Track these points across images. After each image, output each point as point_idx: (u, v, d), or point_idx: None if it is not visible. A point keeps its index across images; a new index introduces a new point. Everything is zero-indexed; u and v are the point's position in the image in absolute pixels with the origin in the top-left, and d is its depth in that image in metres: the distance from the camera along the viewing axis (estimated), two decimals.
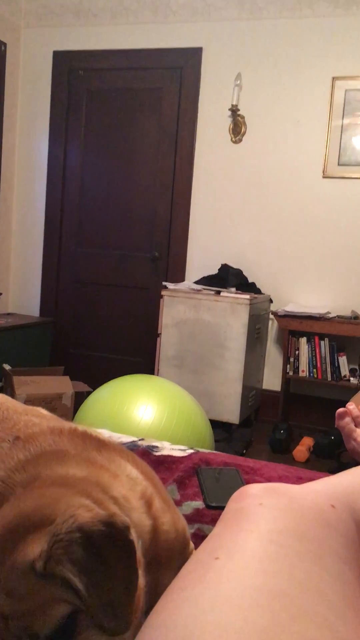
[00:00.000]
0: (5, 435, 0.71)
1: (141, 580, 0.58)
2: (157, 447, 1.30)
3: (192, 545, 0.80)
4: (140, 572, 0.58)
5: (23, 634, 0.48)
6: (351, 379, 3.20)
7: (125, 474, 0.67)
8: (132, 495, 0.65)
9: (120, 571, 0.51)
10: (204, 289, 3.23)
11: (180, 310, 3.15)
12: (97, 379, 3.10)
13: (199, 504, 1.05)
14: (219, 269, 3.51)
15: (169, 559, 0.66)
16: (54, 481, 0.59)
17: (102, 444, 0.71)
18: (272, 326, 3.55)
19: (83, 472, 0.62)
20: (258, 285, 3.49)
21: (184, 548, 0.73)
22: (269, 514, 0.58)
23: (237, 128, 3.51)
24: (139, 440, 1.34)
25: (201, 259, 3.65)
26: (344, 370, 3.21)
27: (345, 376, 3.21)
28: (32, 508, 0.54)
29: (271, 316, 3.47)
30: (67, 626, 0.49)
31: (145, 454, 1.23)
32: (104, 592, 0.49)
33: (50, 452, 0.66)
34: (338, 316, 3.21)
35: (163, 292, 3.20)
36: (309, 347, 3.25)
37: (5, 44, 3.79)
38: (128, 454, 0.73)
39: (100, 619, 0.49)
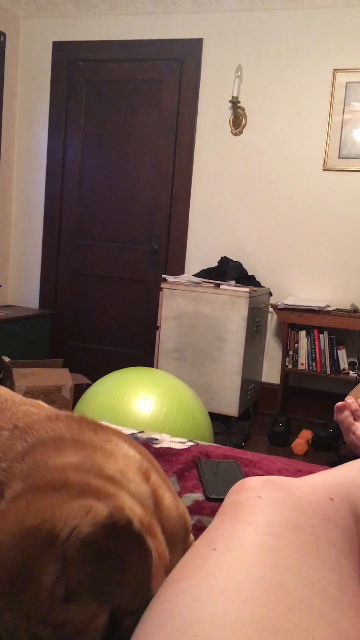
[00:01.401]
0: (5, 424, 0.72)
1: (162, 549, 0.62)
2: (156, 439, 1.30)
3: (192, 537, 0.81)
4: (160, 539, 0.62)
5: None
6: (350, 372, 3.20)
7: (121, 453, 0.68)
8: (128, 469, 0.66)
9: (134, 559, 0.53)
10: (204, 281, 3.23)
11: (180, 303, 3.15)
12: (96, 372, 3.11)
13: (198, 496, 1.05)
14: (218, 262, 3.51)
15: (173, 540, 0.67)
16: (49, 481, 0.60)
17: (98, 426, 0.72)
18: (272, 319, 3.55)
19: (77, 457, 0.63)
20: (257, 278, 3.49)
21: (186, 534, 0.74)
22: (267, 506, 0.59)
23: (238, 120, 3.50)
24: (139, 432, 1.35)
25: (201, 251, 3.65)
26: (343, 363, 3.21)
27: (344, 369, 3.21)
28: (36, 523, 0.54)
29: (270, 309, 3.47)
30: (111, 621, 0.52)
31: (144, 447, 1.23)
32: (125, 582, 0.52)
33: (48, 440, 0.67)
34: (337, 309, 3.21)
35: (162, 285, 3.20)
36: (308, 340, 3.26)
37: (4, 35, 3.76)
38: (125, 436, 0.74)
39: (131, 607, 0.52)
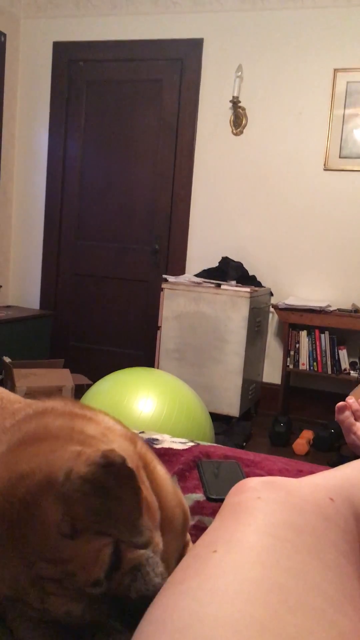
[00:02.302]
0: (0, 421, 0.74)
1: (151, 500, 0.65)
2: (157, 439, 1.30)
3: (189, 536, 0.81)
4: (149, 490, 0.65)
5: (86, 584, 0.53)
6: (351, 372, 3.20)
7: (103, 421, 0.71)
8: (111, 432, 0.69)
9: (129, 495, 0.56)
10: (204, 282, 3.23)
11: (181, 303, 3.14)
12: (97, 372, 3.11)
13: (199, 496, 1.05)
14: (219, 262, 3.51)
15: (170, 521, 0.68)
16: (33, 435, 0.62)
17: (85, 405, 0.75)
18: (273, 319, 3.54)
19: (59, 421, 0.66)
20: (258, 279, 3.49)
21: (184, 524, 0.74)
22: (267, 507, 0.58)
23: (238, 120, 3.49)
24: (139, 433, 1.34)
25: (201, 251, 3.65)
26: (344, 363, 3.21)
27: (345, 369, 3.21)
28: (29, 469, 0.56)
29: (271, 309, 3.47)
30: (115, 559, 0.55)
31: None
32: (123, 519, 0.55)
33: (32, 413, 0.70)
34: (338, 309, 3.21)
35: (163, 285, 3.20)
36: (309, 340, 3.25)
37: (4, 35, 3.76)
38: (115, 418, 0.75)
39: (130, 540, 0.55)
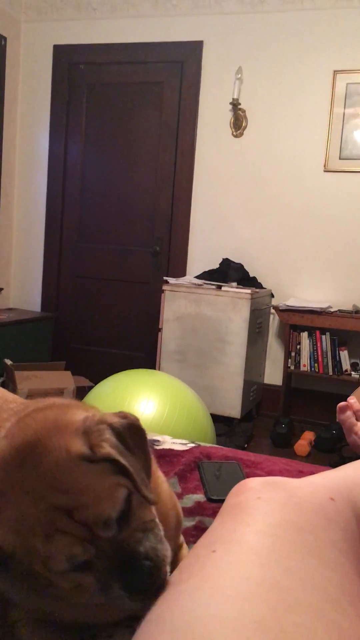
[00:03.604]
0: None
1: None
2: (158, 441, 1.30)
3: (182, 538, 0.81)
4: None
5: (95, 522, 0.53)
6: (352, 373, 3.20)
7: (94, 408, 0.73)
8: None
9: (141, 453, 0.60)
10: (205, 283, 3.23)
11: (182, 305, 3.15)
12: (98, 374, 3.11)
13: (200, 497, 1.05)
14: (220, 264, 3.51)
15: (163, 521, 0.68)
16: (48, 404, 0.64)
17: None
18: (274, 320, 3.54)
19: (69, 400, 0.69)
20: (259, 280, 3.49)
21: (177, 527, 0.75)
22: (267, 507, 0.59)
23: (238, 122, 3.50)
24: None
25: (202, 253, 3.65)
26: (345, 364, 3.21)
27: (346, 370, 3.21)
28: (45, 417, 0.59)
29: (272, 310, 3.47)
30: (126, 510, 0.56)
31: None
32: (138, 470, 0.58)
33: (35, 400, 0.71)
34: (339, 310, 3.21)
35: (164, 287, 3.20)
36: (310, 341, 3.25)
37: (5, 38, 3.77)
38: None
39: (143, 492, 0.57)
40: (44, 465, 0.54)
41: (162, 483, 0.72)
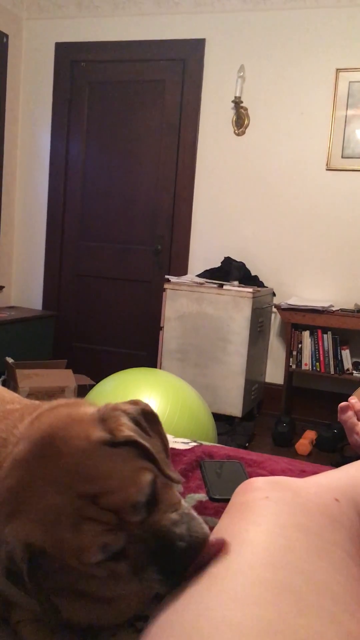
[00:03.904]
0: None
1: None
2: None
3: None
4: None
5: (123, 507, 0.52)
6: (354, 372, 3.19)
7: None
8: None
9: (158, 438, 0.60)
10: (207, 282, 3.22)
11: (183, 304, 3.14)
12: (99, 372, 3.11)
13: (202, 496, 1.05)
14: (221, 262, 3.50)
15: None
16: (57, 404, 0.64)
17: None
18: (275, 319, 3.54)
19: (76, 399, 0.69)
20: (261, 279, 3.48)
21: None
22: (276, 507, 0.58)
23: (240, 120, 3.49)
24: None
25: (204, 252, 3.65)
26: (347, 363, 3.20)
27: (348, 370, 3.20)
28: (61, 415, 0.59)
29: (274, 309, 3.46)
30: (153, 493, 0.55)
31: None
32: (158, 452, 0.58)
33: (38, 404, 0.71)
34: (341, 309, 3.21)
35: (166, 286, 3.20)
36: (311, 340, 3.25)
37: (7, 36, 3.77)
38: None
39: (166, 471, 0.57)
40: (65, 454, 0.53)
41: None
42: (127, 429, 0.56)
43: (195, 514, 0.58)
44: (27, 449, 0.56)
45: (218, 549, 0.53)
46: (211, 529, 0.60)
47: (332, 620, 0.46)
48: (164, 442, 0.62)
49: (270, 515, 0.57)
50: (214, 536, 0.57)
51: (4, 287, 4.03)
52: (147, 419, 0.60)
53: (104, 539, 0.51)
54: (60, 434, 0.55)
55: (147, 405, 0.62)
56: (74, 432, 0.55)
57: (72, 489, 0.52)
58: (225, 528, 0.59)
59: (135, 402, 0.62)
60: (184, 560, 0.52)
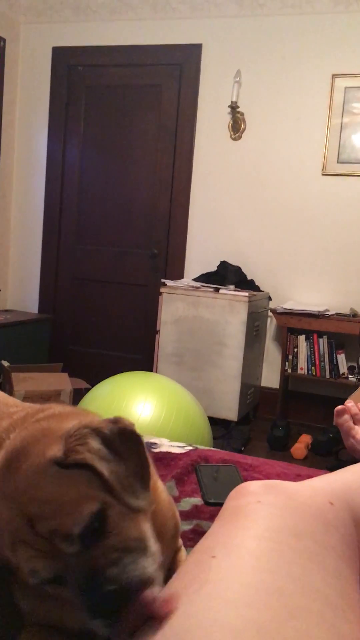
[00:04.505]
0: None
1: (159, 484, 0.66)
2: (155, 444, 1.30)
3: (181, 541, 0.81)
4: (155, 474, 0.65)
5: (54, 536, 0.49)
6: (349, 376, 3.20)
7: (96, 417, 0.70)
8: None
9: (133, 459, 0.55)
10: (203, 286, 3.23)
11: (179, 308, 3.15)
12: (95, 376, 3.11)
13: (197, 500, 1.05)
14: (217, 266, 3.51)
15: (161, 531, 0.67)
16: (49, 415, 0.63)
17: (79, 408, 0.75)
18: (271, 323, 3.55)
19: (71, 409, 0.67)
20: (257, 283, 3.49)
21: (175, 533, 0.74)
22: (267, 511, 0.58)
23: (237, 125, 3.50)
24: None
25: (200, 256, 3.65)
26: (343, 367, 3.21)
27: (343, 374, 3.21)
28: (40, 428, 0.57)
29: (270, 313, 3.47)
30: (99, 526, 0.51)
31: None
32: (123, 476, 0.53)
33: (36, 409, 0.69)
34: (337, 314, 3.21)
35: (162, 289, 3.20)
36: (307, 344, 3.25)
37: (4, 40, 3.77)
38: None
39: (125, 500, 0.52)
40: (22, 470, 0.52)
41: (162, 493, 0.70)
42: (86, 450, 0.52)
43: (152, 551, 0.53)
44: (3, 458, 0.56)
45: (166, 607, 0.49)
46: (205, 532, 0.60)
47: (323, 622, 0.46)
48: (143, 465, 0.57)
49: (260, 520, 0.57)
50: (205, 540, 0.57)
51: (0, 290, 4.02)
52: (124, 439, 0.56)
53: (34, 564, 0.49)
54: (26, 448, 0.54)
55: (128, 424, 0.57)
56: (36, 449, 0.53)
57: (17, 508, 0.50)
58: (216, 532, 0.59)
59: (115, 421, 0.57)
60: (110, 604, 0.49)
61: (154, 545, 0.55)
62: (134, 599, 0.49)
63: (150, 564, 0.52)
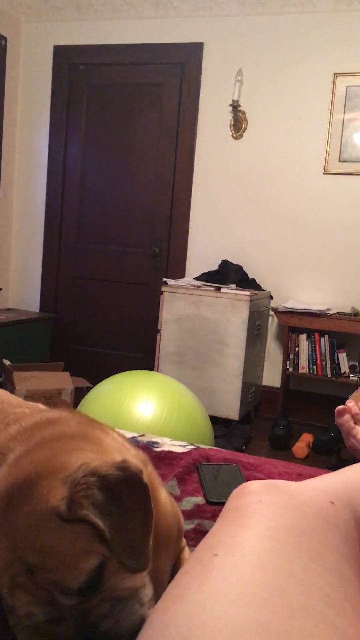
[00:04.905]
0: None
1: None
2: (157, 443, 1.30)
3: (184, 540, 0.81)
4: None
5: (53, 588, 0.49)
6: (351, 375, 3.20)
7: (118, 441, 0.69)
8: (125, 449, 0.67)
9: (137, 512, 0.54)
10: (204, 285, 3.23)
11: (181, 307, 3.15)
12: (97, 375, 3.11)
13: (199, 499, 1.05)
14: (219, 265, 3.51)
15: (166, 540, 0.67)
16: (54, 437, 0.61)
17: (93, 420, 0.73)
18: (272, 322, 3.55)
19: (75, 429, 0.64)
20: (258, 282, 3.49)
21: (179, 535, 0.74)
22: (268, 511, 0.58)
23: (238, 124, 3.50)
24: (139, 436, 1.34)
25: (201, 255, 3.65)
26: (344, 367, 3.21)
27: (345, 373, 3.21)
28: (44, 457, 0.55)
29: (271, 312, 3.47)
30: (96, 576, 0.51)
31: (145, 450, 1.23)
32: (124, 532, 0.52)
33: (44, 421, 0.68)
34: (338, 313, 3.21)
35: (163, 288, 3.20)
36: (308, 343, 3.25)
37: (5, 39, 3.77)
38: (125, 437, 0.74)
39: (122, 559, 0.51)
40: (23, 513, 0.51)
41: (165, 509, 0.69)
42: (90, 504, 0.51)
43: (146, 599, 0.53)
44: (3, 489, 0.54)
45: None
46: (207, 531, 0.60)
47: (325, 622, 0.46)
48: (146, 518, 0.55)
49: (261, 519, 0.57)
50: (207, 539, 0.57)
51: (1, 289, 4.02)
52: (131, 489, 0.54)
53: (31, 609, 0.50)
54: (29, 488, 0.53)
55: (136, 473, 0.55)
56: (39, 490, 0.52)
57: (16, 553, 0.50)
58: (218, 531, 0.60)
59: (123, 467, 0.54)
60: None
61: (149, 591, 0.55)
62: None
63: (141, 606, 0.52)
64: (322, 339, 3.23)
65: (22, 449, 0.61)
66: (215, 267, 3.53)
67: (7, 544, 0.51)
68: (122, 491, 0.53)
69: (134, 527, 0.53)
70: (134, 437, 1.33)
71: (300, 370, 3.27)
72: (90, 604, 0.50)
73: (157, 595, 0.56)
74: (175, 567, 0.72)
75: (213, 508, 1.02)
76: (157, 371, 3.19)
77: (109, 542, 0.51)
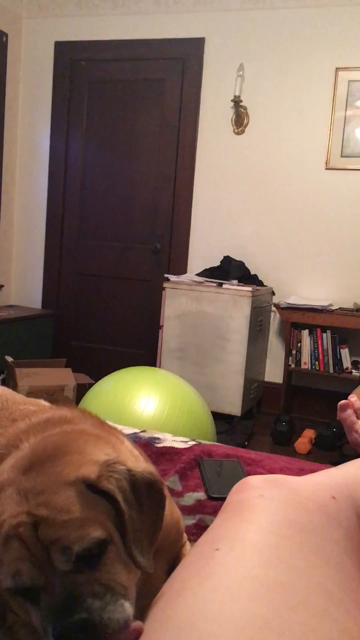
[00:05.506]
0: (3, 422, 0.72)
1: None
2: (159, 438, 1.30)
3: (185, 536, 0.81)
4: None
5: (53, 545, 0.49)
6: (353, 371, 3.20)
7: (124, 446, 0.70)
8: (142, 462, 0.68)
9: (152, 517, 0.56)
10: (206, 281, 3.23)
11: (182, 303, 3.14)
12: (99, 371, 3.11)
13: (200, 495, 1.05)
14: (221, 261, 3.51)
15: (161, 545, 0.67)
16: (76, 431, 0.62)
17: (101, 420, 0.74)
18: (274, 318, 3.54)
19: (96, 431, 0.65)
20: (260, 278, 3.48)
21: (177, 538, 0.74)
22: (270, 505, 0.58)
23: (240, 119, 3.49)
24: (141, 431, 1.35)
25: (203, 251, 3.65)
26: (346, 362, 3.21)
27: (347, 368, 3.21)
28: (75, 443, 0.57)
29: (273, 308, 3.46)
30: (95, 554, 0.51)
31: (147, 446, 1.23)
32: (138, 529, 0.54)
33: (57, 418, 0.68)
34: (340, 308, 3.21)
35: (165, 284, 3.20)
36: (311, 339, 3.25)
37: (6, 35, 3.76)
38: (125, 435, 0.74)
39: (132, 549, 0.53)
40: (47, 473, 0.52)
41: (166, 513, 0.70)
42: (117, 486, 0.53)
43: (131, 602, 0.52)
44: (26, 456, 0.56)
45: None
46: (208, 527, 0.60)
47: (325, 616, 0.46)
48: (156, 525, 0.56)
49: (263, 514, 0.57)
50: (208, 534, 0.57)
51: (3, 285, 4.03)
52: (151, 492, 0.56)
53: (19, 566, 0.49)
54: (57, 456, 0.54)
55: (159, 481, 0.58)
56: (70, 459, 0.54)
57: (27, 505, 0.50)
58: (219, 526, 0.60)
59: (150, 473, 0.58)
60: (78, 632, 0.47)
61: (134, 596, 0.54)
62: (101, 636, 0.48)
63: (129, 608, 0.52)
64: (324, 334, 3.23)
65: (39, 438, 0.61)
66: (217, 263, 3.52)
67: (19, 498, 0.51)
68: (145, 493, 0.56)
69: (146, 529, 0.55)
70: (135, 432, 1.33)
71: (303, 366, 3.27)
72: (79, 580, 0.49)
73: (148, 601, 0.57)
74: (175, 563, 0.72)
75: (214, 503, 1.02)
76: (159, 367, 3.19)
77: (125, 528, 0.53)
